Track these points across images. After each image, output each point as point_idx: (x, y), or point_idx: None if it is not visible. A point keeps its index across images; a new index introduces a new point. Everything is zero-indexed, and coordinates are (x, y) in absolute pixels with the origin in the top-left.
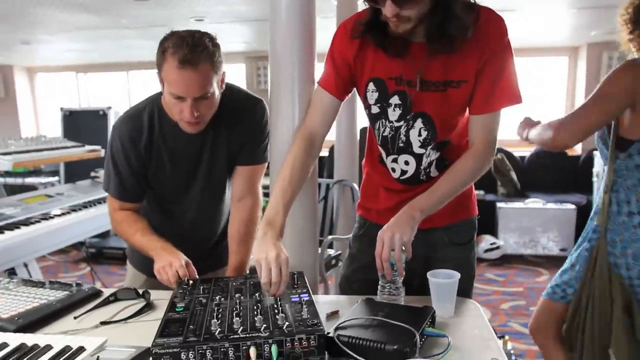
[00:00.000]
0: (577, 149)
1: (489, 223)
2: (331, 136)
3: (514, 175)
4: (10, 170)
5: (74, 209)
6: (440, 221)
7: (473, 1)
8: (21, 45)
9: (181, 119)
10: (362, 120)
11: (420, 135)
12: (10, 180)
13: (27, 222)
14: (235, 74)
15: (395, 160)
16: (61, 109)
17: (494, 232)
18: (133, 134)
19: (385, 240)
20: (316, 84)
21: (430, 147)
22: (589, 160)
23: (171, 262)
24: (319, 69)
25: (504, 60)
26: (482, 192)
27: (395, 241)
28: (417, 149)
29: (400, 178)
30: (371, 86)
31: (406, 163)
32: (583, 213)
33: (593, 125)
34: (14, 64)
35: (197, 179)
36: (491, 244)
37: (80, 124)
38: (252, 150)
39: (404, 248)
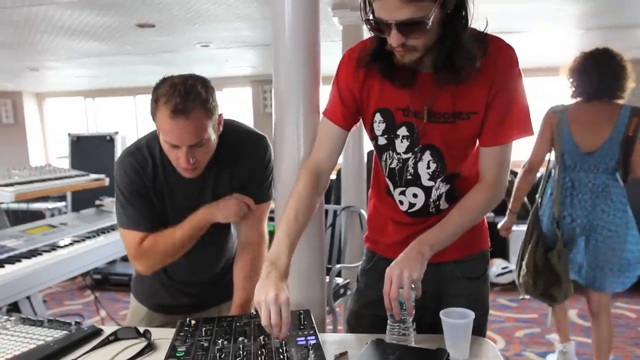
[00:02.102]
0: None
1: (500, 246)
2: (338, 160)
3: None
4: (12, 201)
5: (78, 240)
6: (451, 255)
7: (483, 31)
8: (29, 72)
9: (178, 165)
10: (369, 145)
11: (429, 167)
12: (15, 206)
13: (29, 255)
14: (241, 98)
15: (403, 193)
16: (69, 134)
17: (505, 256)
18: (137, 166)
19: (394, 278)
20: (322, 115)
21: (439, 179)
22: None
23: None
24: (324, 93)
25: (515, 91)
26: (492, 214)
27: (404, 279)
28: (426, 182)
29: (409, 211)
30: (378, 117)
31: (414, 196)
32: None
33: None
34: (23, 90)
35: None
36: (503, 268)
37: (88, 149)
38: (256, 189)
39: (413, 286)
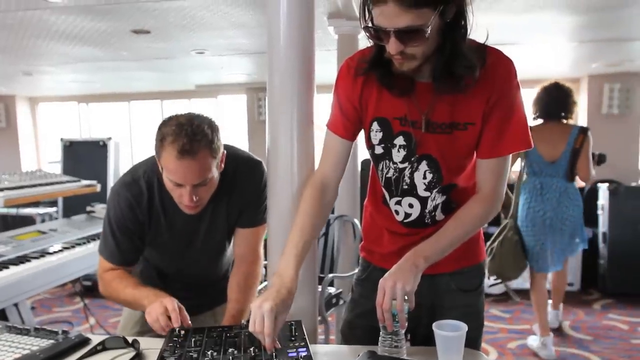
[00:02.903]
0: (581, 182)
1: None
2: None
3: None
4: (1, 207)
5: (68, 246)
6: (446, 267)
7: (483, 43)
8: (23, 76)
9: (180, 202)
10: (363, 153)
11: (425, 177)
12: (4, 211)
13: (17, 261)
14: (236, 105)
15: (399, 203)
16: (61, 139)
17: None
18: (132, 201)
19: (387, 289)
20: (326, 127)
21: (435, 190)
22: (593, 192)
23: (165, 305)
24: (319, 102)
25: (513, 103)
26: (485, 225)
27: (397, 291)
28: (422, 192)
29: (404, 221)
30: (375, 126)
31: (410, 206)
32: (589, 247)
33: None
34: (16, 94)
35: (194, 245)
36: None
37: (81, 154)
38: (252, 213)
39: (406, 298)
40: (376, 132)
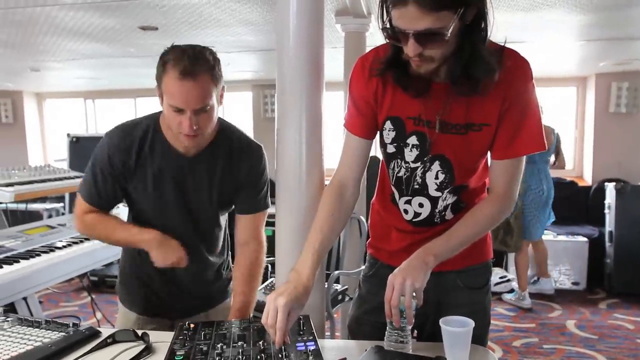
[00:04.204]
0: (588, 180)
1: (498, 256)
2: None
3: None
4: (11, 202)
5: (76, 241)
6: (453, 265)
7: (502, 44)
8: (30, 72)
9: (180, 131)
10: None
11: (437, 178)
12: (13, 207)
13: (27, 256)
14: (242, 102)
15: (409, 202)
16: (68, 134)
17: (503, 265)
18: (122, 146)
19: (396, 285)
20: (343, 127)
21: (447, 190)
22: (600, 191)
23: (179, 259)
24: (327, 99)
25: (528, 105)
26: (496, 225)
27: (406, 287)
28: (433, 192)
29: (413, 220)
30: (388, 124)
31: (420, 205)
32: (595, 246)
33: None
34: (23, 90)
35: (180, 204)
36: (501, 277)
37: (87, 149)
38: (252, 197)
39: (414, 294)
40: (389, 131)
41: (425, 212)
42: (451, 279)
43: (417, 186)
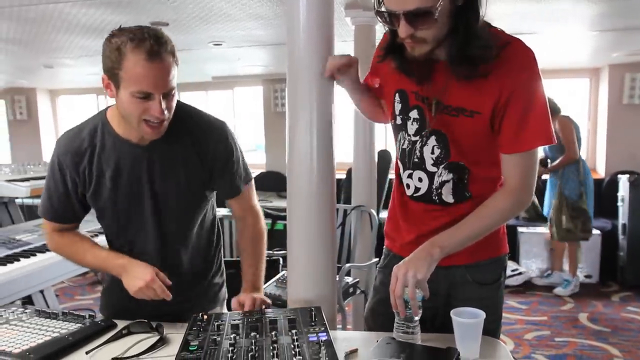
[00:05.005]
0: (601, 172)
1: (510, 248)
2: (348, 159)
3: (535, 199)
4: (27, 196)
5: (91, 235)
6: (462, 259)
7: (502, 30)
8: (44, 69)
9: (145, 120)
10: (380, 144)
11: (433, 152)
12: (29, 202)
13: (43, 249)
14: (253, 96)
15: (410, 176)
16: None
17: (515, 258)
18: (70, 148)
19: (399, 276)
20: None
21: (442, 166)
22: (613, 183)
23: (146, 282)
24: (337, 93)
25: (533, 96)
26: (510, 219)
27: (409, 278)
28: (429, 167)
29: (414, 195)
30: (397, 97)
31: (420, 180)
32: (608, 238)
33: None
34: (37, 87)
35: (144, 200)
36: (512, 270)
37: None
38: (230, 181)
39: (420, 286)
40: (397, 102)
41: (423, 187)
42: (460, 273)
43: (416, 159)
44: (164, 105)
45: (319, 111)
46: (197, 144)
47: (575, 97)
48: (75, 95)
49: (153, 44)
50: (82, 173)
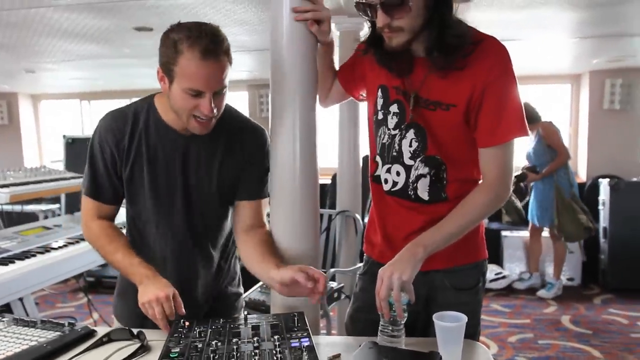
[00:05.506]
0: (583, 176)
1: (493, 252)
2: (333, 164)
3: (518, 203)
4: (7, 203)
5: (72, 242)
6: (439, 264)
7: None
8: (25, 74)
9: (194, 116)
10: (365, 149)
11: (411, 145)
12: (8, 208)
13: (22, 256)
14: (238, 102)
15: (388, 170)
16: (64, 136)
17: (499, 262)
18: (114, 126)
19: (385, 279)
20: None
21: (419, 159)
22: (594, 187)
23: (157, 297)
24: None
25: (507, 90)
26: (486, 220)
27: (394, 280)
28: (407, 160)
29: (391, 190)
30: (379, 92)
31: (397, 174)
32: (590, 242)
33: None
34: (18, 92)
35: (176, 192)
36: (496, 274)
37: (83, 151)
38: (256, 181)
39: (405, 288)
40: (379, 98)
41: (400, 181)
42: (438, 278)
43: (395, 153)
44: (214, 103)
45: (301, 116)
46: (238, 142)
47: (558, 103)
48: (58, 100)
49: (209, 43)
50: (121, 150)
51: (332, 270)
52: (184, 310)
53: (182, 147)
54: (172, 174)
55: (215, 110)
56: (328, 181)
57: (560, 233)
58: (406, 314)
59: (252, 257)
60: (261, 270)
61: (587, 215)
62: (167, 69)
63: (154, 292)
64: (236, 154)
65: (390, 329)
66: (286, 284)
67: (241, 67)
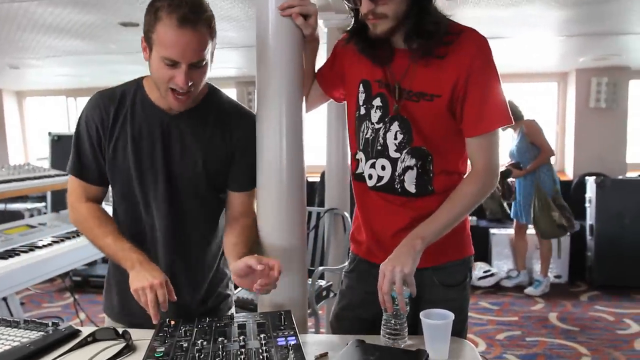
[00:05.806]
0: (569, 174)
1: (481, 250)
2: (322, 161)
3: (503, 200)
4: None
5: (57, 240)
6: (429, 261)
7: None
8: (9, 70)
9: (170, 88)
10: None
11: (396, 138)
12: None
13: (6, 255)
14: None
15: (373, 166)
16: (49, 133)
17: (487, 259)
18: (100, 104)
19: (387, 273)
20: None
21: (405, 151)
22: (581, 185)
23: (151, 284)
24: None
25: (489, 80)
26: (474, 218)
27: (395, 274)
28: (392, 153)
29: (376, 185)
30: (361, 87)
31: (382, 168)
32: (577, 239)
33: None
34: (2, 88)
35: (158, 170)
36: (485, 271)
37: (69, 148)
38: (247, 171)
39: (407, 281)
40: (361, 93)
41: (386, 175)
42: (427, 276)
43: (379, 147)
44: (191, 76)
45: (288, 114)
46: (226, 127)
47: (545, 101)
48: (43, 97)
49: (187, 12)
50: (105, 128)
51: (321, 268)
52: (175, 296)
53: (166, 125)
54: (155, 153)
55: (190, 84)
56: (317, 179)
57: (537, 230)
58: (408, 307)
59: (226, 247)
60: (229, 261)
61: (564, 213)
62: (147, 37)
63: (148, 278)
64: (224, 136)
65: (393, 322)
66: (241, 275)
67: (229, 64)
